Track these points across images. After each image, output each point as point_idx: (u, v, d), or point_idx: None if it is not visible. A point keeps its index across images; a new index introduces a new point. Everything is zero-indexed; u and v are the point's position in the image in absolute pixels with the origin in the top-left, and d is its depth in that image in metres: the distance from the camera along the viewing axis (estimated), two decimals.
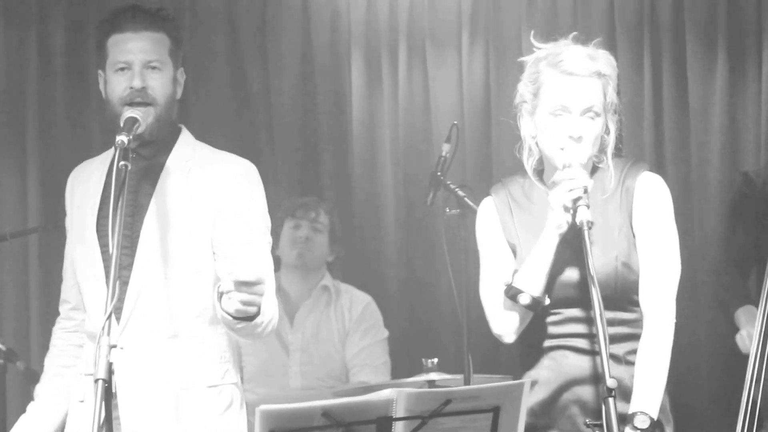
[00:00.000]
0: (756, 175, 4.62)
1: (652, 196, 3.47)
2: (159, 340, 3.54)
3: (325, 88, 5.87)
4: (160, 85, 3.57)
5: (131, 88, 3.54)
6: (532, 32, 3.55)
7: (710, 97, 5.46)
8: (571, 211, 3.31)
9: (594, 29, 5.46)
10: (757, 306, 4.23)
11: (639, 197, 3.45)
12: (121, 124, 3.41)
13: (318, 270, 5.44)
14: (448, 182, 4.52)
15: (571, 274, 3.39)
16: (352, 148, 5.84)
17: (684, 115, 5.49)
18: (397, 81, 5.81)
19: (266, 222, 3.64)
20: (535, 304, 3.37)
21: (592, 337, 3.34)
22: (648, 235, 3.44)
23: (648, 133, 5.50)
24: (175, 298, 3.55)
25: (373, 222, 5.82)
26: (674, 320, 3.42)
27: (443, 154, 4.58)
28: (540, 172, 3.54)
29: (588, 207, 3.27)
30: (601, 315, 3.18)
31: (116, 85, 3.57)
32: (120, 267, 3.33)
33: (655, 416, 3.32)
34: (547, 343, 3.44)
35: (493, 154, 5.66)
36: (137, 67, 3.55)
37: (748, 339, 4.31)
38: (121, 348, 3.43)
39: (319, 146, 5.87)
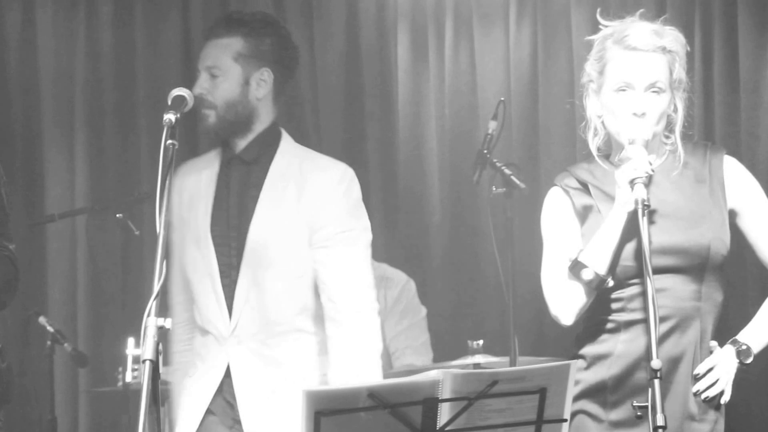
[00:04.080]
0: None
1: (744, 175, 3.49)
2: (266, 336, 3.78)
3: (371, 65, 5.83)
4: (218, 90, 3.81)
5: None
6: (599, 9, 3.54)
7: (761, 72, 5.38)
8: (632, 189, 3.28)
9: (642, 3, 5.39)
10: None
11: (731, 176, 3.45)
12: (169, 102, 3.40)
13: None
14: (495, 160, 4.47)
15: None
16: (397, 127, 5.79)
17: (734, 89, 5.41)
18: (444, 57, 5.75)
19: (362, 222, 3.86)
20: (598, 282, 3.34)
21: (667, 308, 3.32)
22: (755, 204, 3.45)
23: (698, 107, 5.40)
24: (278, 298, 3.78)
25: (418, 201, 5.77)
26: None
27: (489, 131, 4.53)
28: (607, 156, 3.52)
29: (645, 185, 3.25)
30: (653, 297, 3.15)
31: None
32: (229, 267, 3.77)
33: (755, 351, 3.35)
34: (623, 316, 3.39)
35: (540, 132, 5.60)
36: (202, 74, 3.84)
37: None
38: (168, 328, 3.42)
39: (365, 124, 5.83)
